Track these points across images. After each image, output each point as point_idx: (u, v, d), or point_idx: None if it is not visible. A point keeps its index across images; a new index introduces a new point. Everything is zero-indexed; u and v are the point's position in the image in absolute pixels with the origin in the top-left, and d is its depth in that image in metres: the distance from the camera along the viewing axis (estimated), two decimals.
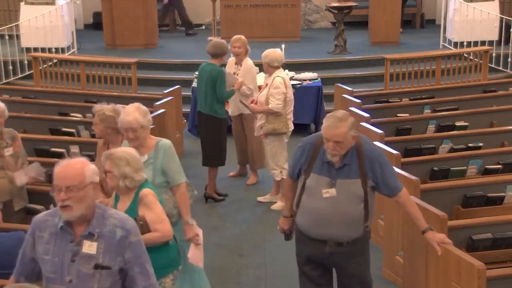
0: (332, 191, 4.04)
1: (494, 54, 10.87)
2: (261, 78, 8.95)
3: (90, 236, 3.05)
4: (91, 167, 3.11)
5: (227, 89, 7.07)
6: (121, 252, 3.08)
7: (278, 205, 6.92)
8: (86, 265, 3.04)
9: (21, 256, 3.20)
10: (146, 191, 4.01)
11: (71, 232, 3.07)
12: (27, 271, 3.20)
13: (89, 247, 3.05)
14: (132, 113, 4.37)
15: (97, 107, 5.01)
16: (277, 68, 6.90)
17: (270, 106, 6.75)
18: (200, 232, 4.69)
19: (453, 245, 4.23)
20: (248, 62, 7.52)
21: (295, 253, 4.43)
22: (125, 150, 4.02)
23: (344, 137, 3.96)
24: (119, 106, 5.02)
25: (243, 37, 7.53)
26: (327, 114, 4.15)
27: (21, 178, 5.23)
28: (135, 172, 3.92)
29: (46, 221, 3.13)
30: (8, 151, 5.33)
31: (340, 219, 4.06)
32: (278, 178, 6.98)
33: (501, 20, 11.23)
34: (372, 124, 6.75)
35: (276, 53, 6.92)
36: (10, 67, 10.86)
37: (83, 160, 3.15)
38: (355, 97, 8.02)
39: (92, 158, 6.46)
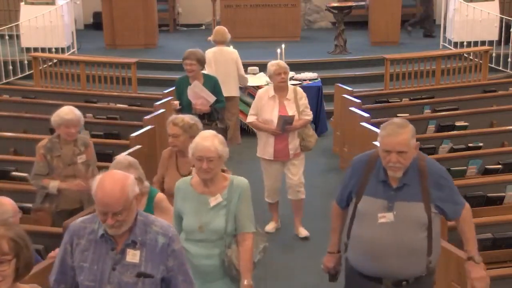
0: (390, 216, 3.46)
1: (494, 54, 10.87)
2: (257, 79, 9.04)
3: (133, 244, 2.97)
4: (130, 180, 2.95)
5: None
6: (163, 260, 3.00)
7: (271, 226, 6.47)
8: (128, 274, 2.96)
9: (59, 265, 3.08)
10: (161, 196, 3.98)
11: (113, 241, 2.98)
12: (66, 280, 3.08)
13: (133, 256, 2.96)
14: (211, 139, 3.71)
15: (174, 118, 4.89)
16: None
17: (308, 117, 6.18)
18: None
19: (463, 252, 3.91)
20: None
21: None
22: (123, 157, 3.92)
23: (407, 145, 3.43)
24: (191, 115, 5.00)
25: (221, 30, 8.03)
26: (384, 123, 3.62)
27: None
28: (143, 176, 3.87)
29: (84, 228, 3.04)
30: (81, 159, 5.20)
31: (399, 250, 3.45)
32: (303, 196, 6.33)
33: (501, 20, 11.23)
34: (372, 124, 6.75)
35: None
36: (10, 67, 10.86)
37: (122, 175, 2.97)
38: (355, 97, 8.02)
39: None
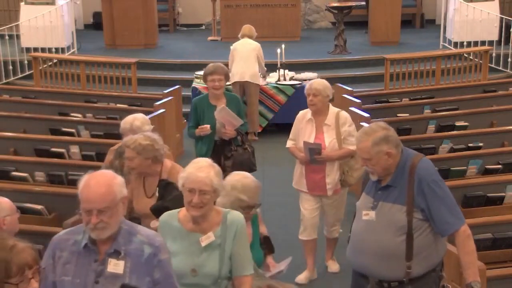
0: (372, 214, 3.45)
1: (494, 54, 10.87)
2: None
3: (115, 254, 2.81)
4: (118, 180, 2.85)
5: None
6: (150, 271, 2.83)
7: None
8: (111, 287, 2.78)
9: (43, 280, 2.85)
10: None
11: (97, 251, 2.83)
12: None
13: (115, 266, 2.79)
14: (206, 169, 3.25)
15: (127, 139, 4.32)
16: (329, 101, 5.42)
17: (352, 147, 5.09)
18: None
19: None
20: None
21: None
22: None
23: (368, 153, 3.41)
24: (149, 133, 4.38)
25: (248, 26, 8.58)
26: None
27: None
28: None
29: (67, 240, 2.89)
30: None
31: (375, 249, 3.43)
32: (337, 235, 5.67)
33: (501, 20, 11.23)
34: None
35: (327, 82, 5.42)
36: (10, 67, 10.86)
37: (109, 174, 2.87)
38: (355, 97, 8.02)
39: (91, 158, 6.49)
